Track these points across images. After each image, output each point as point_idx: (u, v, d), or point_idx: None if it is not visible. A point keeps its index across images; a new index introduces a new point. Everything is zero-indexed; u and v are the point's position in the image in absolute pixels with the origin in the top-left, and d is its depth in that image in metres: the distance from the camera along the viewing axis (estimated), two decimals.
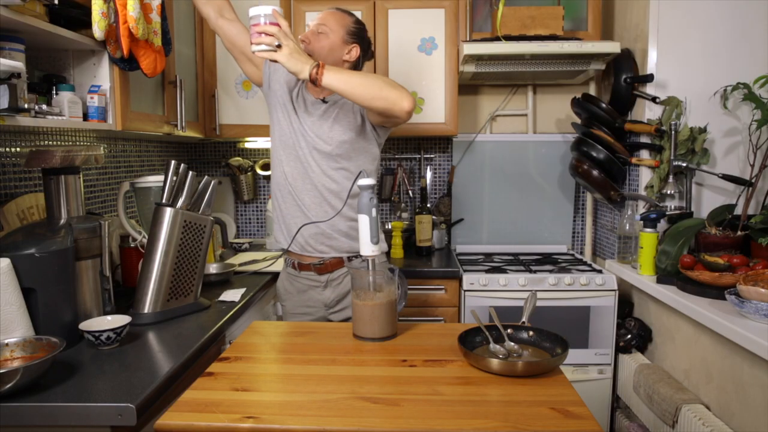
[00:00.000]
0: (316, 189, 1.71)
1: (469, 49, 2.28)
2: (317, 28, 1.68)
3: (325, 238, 1.73)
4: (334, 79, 1.49)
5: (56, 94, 1.49)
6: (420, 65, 2.50)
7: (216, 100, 2.42)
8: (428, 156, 2.89)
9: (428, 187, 2.85)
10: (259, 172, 2.91)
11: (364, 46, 1.74)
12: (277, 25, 1.45)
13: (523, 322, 1.33)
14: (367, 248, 1.36)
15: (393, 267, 1.39)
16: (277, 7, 1.46)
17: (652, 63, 2.22)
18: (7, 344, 1.18)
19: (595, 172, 2.39)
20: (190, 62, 2.29)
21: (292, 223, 1.75)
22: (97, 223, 1.45)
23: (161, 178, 1.68)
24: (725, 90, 2.12)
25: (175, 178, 1.60)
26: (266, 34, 1.44)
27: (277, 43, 1.45)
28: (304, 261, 1.78)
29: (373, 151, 1.77)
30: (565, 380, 1.12)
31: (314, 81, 1.48)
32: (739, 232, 1.92)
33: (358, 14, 2.51)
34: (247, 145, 2.92)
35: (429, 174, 2.87)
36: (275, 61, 1.49)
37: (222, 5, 1.80)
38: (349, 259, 1.76)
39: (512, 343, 1.27)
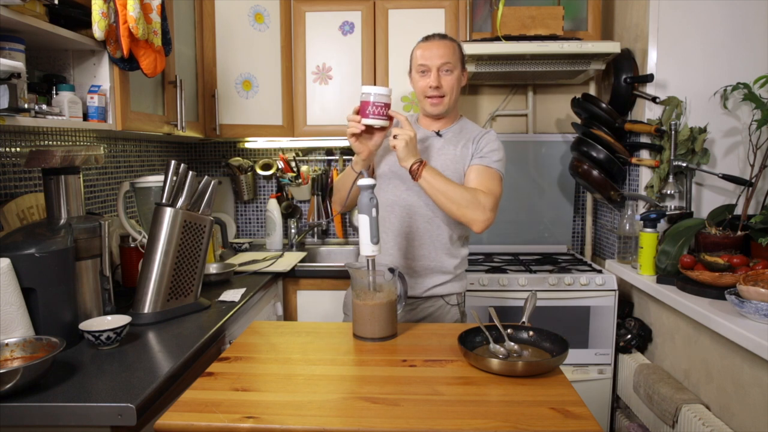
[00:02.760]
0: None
1: (469, 49, 2.28)
2: (442, 66, 1.61)
3: (411, 274, 1.68)
4: (429, 180, 1.51)
5: (56, 94, 1.49)
6: None
7: (216, 100, 2.42)
8: None
9: None
10: (259, 172, 2.91)
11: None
12: (386, 111, 1.49)
13: (523, 322, 1.33)
14: (367, 248, 1.36)
15: (393, 267, 1.39)
16: (385, 91, 1.49)
17: (652, 63, 2.22)
18: (7, 344, 1.18)
19: (595, 172, 2.38)
20: (190, 62, 2.29)
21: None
22: (97, 223, 1.45)
23: (161, 178, 1.68)
24: (725, 90, 2.12)
25: (175, 178, 1.60)
26: (394, 134, 1.50)
27: (395, 134, 1.50)
28: None
29: None
30: (565, 380, 1.12)
31: (413, 175, 1.52)
32: (739, 232, 1.92)
33: (358, 14, 2.52)
34: (247, 145, 2.92)
35: None
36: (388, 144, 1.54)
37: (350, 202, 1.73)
38: (426, 298, 1.70)
39: (512, 343, 1.27)
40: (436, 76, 1.61)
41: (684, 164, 2.14)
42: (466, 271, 2.33)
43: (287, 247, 2.78)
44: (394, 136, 1.50)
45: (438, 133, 1.70)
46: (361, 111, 1.49)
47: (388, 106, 1.49)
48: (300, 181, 2.83)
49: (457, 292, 1.74)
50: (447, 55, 1.62)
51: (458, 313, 1.74)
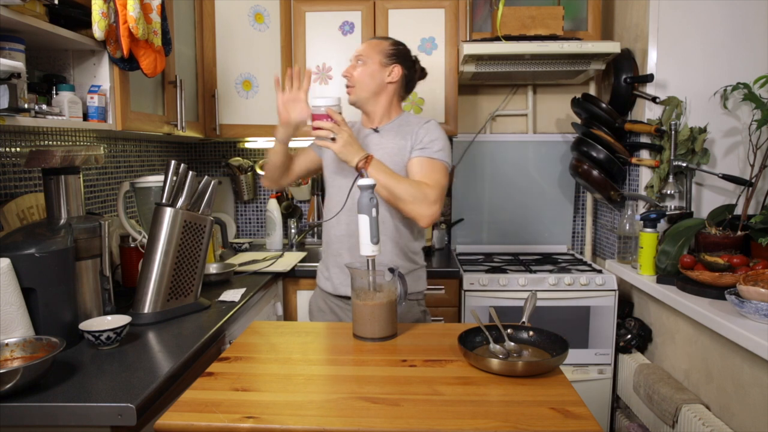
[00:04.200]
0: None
1: (469, 49, 2.28)
2: (356, 59, 1.70)
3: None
4: (374, 176, 1.53)
5: (56, 94, 1.49)
6: None
7: (216, 100, 2.42)
8: None
9: None
10: (259, 172, 2.91)
11: (407, 65, 1.74)
12: (332, 119, 1.55)
13: (523, 322, 1.33)
14: (367, 248, 1.36)
15: (393, 267, 1.39)
16: (335, 104, 1.56)
17: (652, 63, 2.22)
18: (7, 344, 1.18)
19: (595, 172, 2.39)
20: (190, 62, 2.29)
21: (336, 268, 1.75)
22: (97, 223, 1.45)
23: (161, 178, 1.68)
24: (725, 90, 2.12)
25: (175, 178, 1.60)
26: (323, 128, 1.55)
27: (332, 136, 1.54)
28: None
29: None
30: (565, 380, 1.12)
31: (360, 172, 1.55)
32: (739, 232, 1.92)
33: (358, 14, 2.52)
34: (247, 145, 2.92)
35: None
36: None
37: (289, 164, 1.81)
38: None
39: (512, 343, 1.27)
40: (349, 66, 1.71)
41: (684, 164, 2.14)
42: (466, 271, 2.34)
43: (287, 247, 2.78)
44: (332, 139, 1.54)
45: (376, 130, 1.73)
46: (314, 124, 1.57)
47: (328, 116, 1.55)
48: (300, 181, 2.83)
49: (416, 291, 1.74)
50: (363, 49, 1.71)
51: (419, 312, 1.75)
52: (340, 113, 1.57)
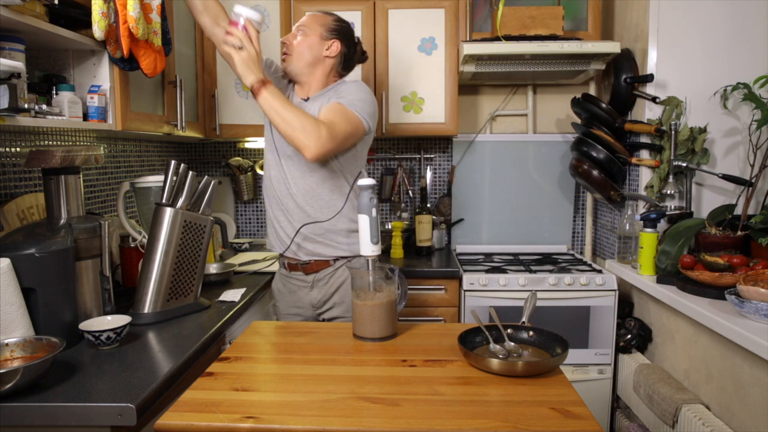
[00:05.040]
0: (290, 194, 1.73)
1: (469, 49, 2.28)
2: (297, 29, 1.73)
3: (310, 242, 1.75)
4: (266, 100, 1.55)
5: (56, 94, 1.49)
6: (420, 65, 2.50)
7: (216, 100, 2.42)
8: (428, 156, 2.89)
9: (428, 187, 2.85)
10: (259, 172, 2.91)
11: (347, 43, 1.76)
12: (246, 31, 1.56)
13: (523, 322, 1.33)
14: (367, 248, 1.36)
15: (393, 267, 1.39)
16: (257, 17, 1.57)
17: (652, 63, 2.23)
18: (7, 344, 1.18)
19: (595, 172, 2.39)
20: (190, 62, 2.29)
21: (279, 227, 1.78)
22: (97, 223, 1.45)
23: (161, 178, 1.68)
24: (725, 90, 2.12)
25: (175, 178, 1.60)
26: (235, 35, 1.56)
27: (239, 45, 1.55)
28: (293, 261, 1.80)
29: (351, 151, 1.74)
30: (565, 380, 1.12)
31: (254, 93, 1.58)
32: (739, 232, 1.92)
33: (358, 14, 2.52)
34: (247, 145, 2.92)
35: (429, 174, 2.87)
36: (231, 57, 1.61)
37: (217, 13, 1.81)
38: (335, 260, 1.77)
39: (512, 343, 1.27)
40: (289, 35, 1.73)
41: (684, 164, 2.14)
42: (466, 271, 2.34)
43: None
44: (240, 48, 1.54)
45: (306, 99, 1.75)
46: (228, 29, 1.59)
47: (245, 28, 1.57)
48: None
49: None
50: (305, 20, 1.74)
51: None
52: (258, 31, 1.57)
